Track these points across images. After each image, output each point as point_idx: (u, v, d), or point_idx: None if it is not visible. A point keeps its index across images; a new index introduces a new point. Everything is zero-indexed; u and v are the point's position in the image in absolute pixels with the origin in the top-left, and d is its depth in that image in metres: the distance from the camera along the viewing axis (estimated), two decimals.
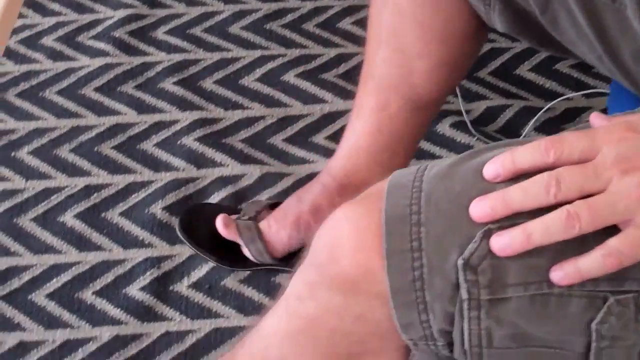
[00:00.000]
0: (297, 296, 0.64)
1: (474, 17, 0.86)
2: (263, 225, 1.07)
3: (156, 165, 1.26)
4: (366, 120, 0.96)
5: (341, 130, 1.02)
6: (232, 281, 1.12)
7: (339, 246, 0.59)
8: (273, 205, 1.12)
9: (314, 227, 1.04)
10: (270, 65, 1.38)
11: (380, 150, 0.97)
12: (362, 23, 1.42)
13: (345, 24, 1.44)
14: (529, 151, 0.53)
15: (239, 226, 1.08)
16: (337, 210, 0.61)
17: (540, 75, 1.33)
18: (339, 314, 0.60)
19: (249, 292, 1.11)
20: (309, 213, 1.05)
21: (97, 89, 1.37)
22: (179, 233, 1.12)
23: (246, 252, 1.08)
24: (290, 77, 1.36)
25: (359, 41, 1.39)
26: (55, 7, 1.49)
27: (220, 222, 1.08)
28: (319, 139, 1.28)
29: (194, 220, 1.14)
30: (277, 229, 1.06)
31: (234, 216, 1.11)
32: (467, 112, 1.28)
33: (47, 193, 1.23)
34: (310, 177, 1.21)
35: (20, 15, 1.47)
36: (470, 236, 0.52)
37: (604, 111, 1.25)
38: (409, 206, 0.55)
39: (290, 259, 1.07)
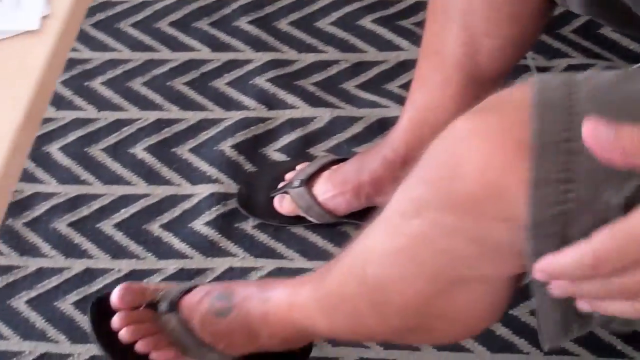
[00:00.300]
0: (401, 213, 0.61)
1: None
2: (319, 188, 1.07)
3: (227, 103, 1.26)
4: (430, 96, 0.95)
5: None
6: (297, 227, 1.11)
7: (464, 162, 0.54)
8: (332, 162, 1.10)
9: (374, 198, 1.04)
10: (347, 9, 1.36)
11: (444, 125, 0.96)
12: None
13: None
14: (575, 266, 0.48)
15: (292, 197, 1.07)
16: (458, 122, 0.56)
17: (624, 36, 1.29)
18: (450, 234, 0.57)
19: (314, 237, 1.11)
20: (369, 185, 1.03)
21: (172, 24, 1.36)
22: (239, 208, 1.12)
23: (309, 217, 1.08)
24: (366, 22, 1.34)
25: None
26: None
27: (277, 204, 1.09)
28: (393, 87, 1.26)
29: (252, 192, 1.13)
30: (335, 195, 1.05)
31: (291, 173, 1.10)
32: (548, 69, 1.25)
33: (118, 124, 1.24)
34: (381, 122, 1.21)
35: None
36: (630, 174, 0.47)
37: None
38: (563, 131, 0.50)
39: (355, 215, 1.07)
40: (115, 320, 0.86)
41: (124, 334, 0.86)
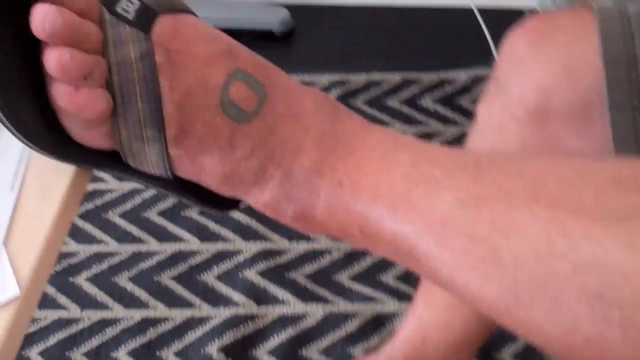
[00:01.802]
0: None
1: None
2: None
3: (215, 299, 1.20)
4: (438, 313, 0.88)
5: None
6: None
7: None
8: None
9: None
10: None
11: (449, 345, 0.90)
12: None
13: None
14: None
15: None
16: None
17: None
18: None
19: None
20: None
21: (161, 213, 1.33)
22: None
23: None
24: None
25: None
26: None
27: None
28: (389, 278, 1.21)
29: None
30: None
31: None
32: None
33: (102, 325, 1.18)
34: (376, 319, 1.15)
35: None
36: None
37: None
38: None
39: None
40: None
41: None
